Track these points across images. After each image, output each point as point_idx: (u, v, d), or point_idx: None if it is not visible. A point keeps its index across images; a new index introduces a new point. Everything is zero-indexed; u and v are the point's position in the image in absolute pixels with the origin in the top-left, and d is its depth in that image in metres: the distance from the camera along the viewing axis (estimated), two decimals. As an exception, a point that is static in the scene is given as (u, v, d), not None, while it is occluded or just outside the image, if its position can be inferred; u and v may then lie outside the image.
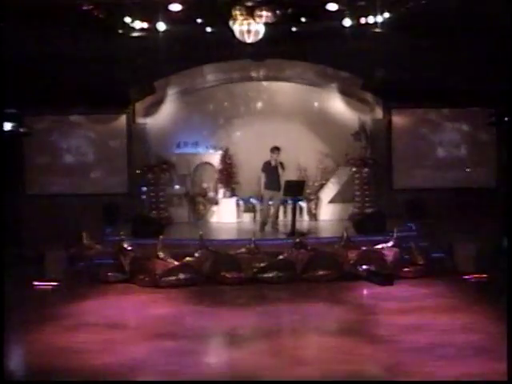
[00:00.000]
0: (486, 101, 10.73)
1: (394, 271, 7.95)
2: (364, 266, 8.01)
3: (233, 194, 11.88)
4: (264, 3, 8.55)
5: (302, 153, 11.85)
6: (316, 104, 12.05)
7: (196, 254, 8.04)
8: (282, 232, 9.76)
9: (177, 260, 8.00)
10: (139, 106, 11.71)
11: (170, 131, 11.92)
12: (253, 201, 11.73)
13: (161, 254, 8.00)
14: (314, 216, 11.78)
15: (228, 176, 11.82)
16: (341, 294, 7.30)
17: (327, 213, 11.80)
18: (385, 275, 7.80)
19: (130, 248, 8.32)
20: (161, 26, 9.66)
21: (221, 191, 11.93)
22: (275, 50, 10.75)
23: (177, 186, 11.86)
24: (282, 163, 10.04)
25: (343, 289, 7.56)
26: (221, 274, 7.96)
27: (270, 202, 10.20)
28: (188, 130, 11.99)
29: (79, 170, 11.44)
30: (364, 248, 8.22)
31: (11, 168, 10.52)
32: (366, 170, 11.30)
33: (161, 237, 8.36)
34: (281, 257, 8.09)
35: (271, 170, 9.98)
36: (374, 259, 8.11)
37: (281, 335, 5.82)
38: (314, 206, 11.77)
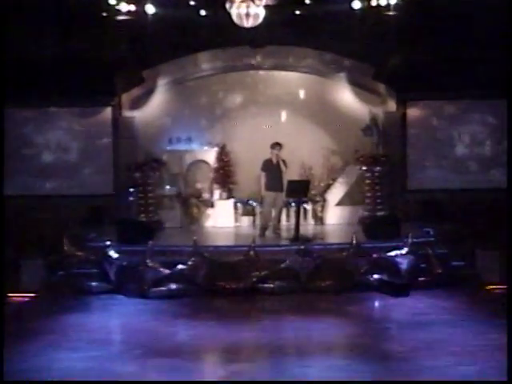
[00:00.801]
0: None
1: (408, 281, 7.93)
2: (375, 276, 7.99)
3: (230, 196, 11.87)
4: (265, -17, 8.54)
5: (307, 150, 11.84)
6: (322, 96, 12.03)
7: (189, 262, 8.03)
8: (285, 237, 9.74)
9: (168, 268, 7.98)
10: (126, 98, 11.70)
11: (161, 126, 11.91)
12: (252, 203, 11.72)
13: (150, 262, 7.99)
14: (319, 219, 11.77)
15: (225, 175, 11.81)
16: (350, 307, 7.27)
17: (334, 216, 11.79)
18: (399, 285, 7.78)
19: (115, 255, 8.29)
20: (150, 9, 9.64)
21: (217, 192, 11.92)
22: (277, 36, 10.73)
23: (168, 187, 11.85)
24: (284, 161, 10.02)
25: (353, 300, 7.54)
26: (217, 284, 7.94)
27: (272, 204, 10.16)
28: (180, 125, 11.98)
29: (59, 169, 11.37)
30: (375, 255, 8.21)
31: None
32: (378, 168, 11.28)
33: (150, 242, 8.34)
34: (283, 265, 8.07)
35: (272, 169, 9.96)
36: (387, 268, 8.09)
37: (283, 352, 5.79)
38: (319, 209, 11.76)
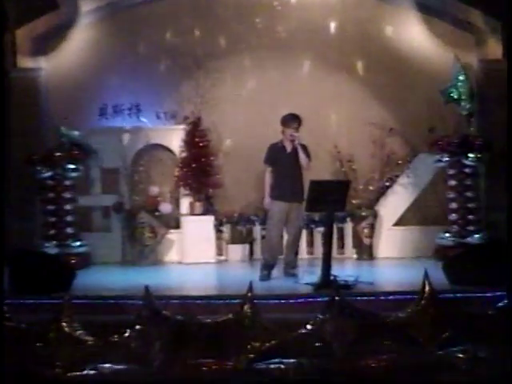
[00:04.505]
0: None
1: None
2: (466, 349, 7.98)
3: (209, 209, 11.90)
4: None
5: (345, 128, 11.99)
6: (371, 32, 12.12)
7: (136, 326, 8.02)
8: (306, 282, 9.73)
9: (99, 337, 7.97)
10: (25, 36, 11.72)
11: (86, 84, 11.96)
12: (249, 220, 11.82)
13: (67, 326, 7.96)
14: (366, 250, 11.79)
15: (200, 172, 11.81)
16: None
17: (392, 244, 11.84)
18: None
19: (6, 314, 8.28)
20: None
21: (185, 202, 11.94)
22: None
23: (99, 192, 11.89)
24: (304, 147, 10.00)
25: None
26: (186, 364, 7.93)
27: (283, 223, 10.16)
28: (122, 83, 12.01)
29: None
30: (464, 312, 8.20)
31: None
32: (471, 159, 11.26)
33: (67, 293, 8.33)
34: (303, 330, 8.05)
35: (285, 162, 9.93)
36: (488, 336, 8.07)
37: None
38: (366, 231, 11.77)
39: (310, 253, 11.66)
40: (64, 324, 7.95)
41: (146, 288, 8.24)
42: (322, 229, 10.98)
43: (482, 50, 11.88)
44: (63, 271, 9.40)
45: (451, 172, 11.44)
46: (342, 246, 11.86)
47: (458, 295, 8.64)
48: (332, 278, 9.29)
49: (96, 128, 11.93)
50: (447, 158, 11.39)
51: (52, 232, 11.30)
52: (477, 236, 11.18)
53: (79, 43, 12.01)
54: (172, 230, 11.93)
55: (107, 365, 7.83)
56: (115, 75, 12.04)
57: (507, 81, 9.54)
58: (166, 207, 11.91)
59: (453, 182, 11.43)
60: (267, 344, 7.93)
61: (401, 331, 8.08)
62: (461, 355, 7.95)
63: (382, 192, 12.01)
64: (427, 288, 8.24)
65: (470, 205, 11.34)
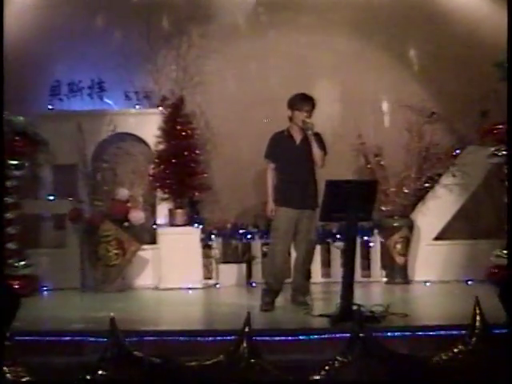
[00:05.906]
0: None
1: None
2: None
3: (194, 218, 11.92)
4: None
5: (371, 111, 12.02)
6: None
7: (100, 371, 7.99)
8: (320, 313, 9.70)
9: (50, 384, 7.94)
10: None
11: (34, 56, 11.99)
12: (246, 233, 11.84)
13: (9, 372, 7.94)
14: (400, 272, 11.81)
15: (182, 170, 11.80)
16: None
17: (432, 263, 11.84)
18: None
19: None
20: None
21: (163, 208, 11.96)
22: None
23: (51, 197, 11.88)
24: (318, 136, 9.96)
25: None
26: (163, 421, 7.90)
27: (290, 237, 10.13)
28: (80, 55, 12.00)
29: None
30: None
31: None
32: (534, 152, 11.30)
33: (9, 328, 8.30)
34: (317, 375, 8.02)
35: (293, 156, 9.89)
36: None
37: None
38: (399, 247, 11.77)
39: (326, 275, 11.65)
40: (5, 369, 7.92)
41: (112, 321, 8.20)
42: (341, 244, 10.93)
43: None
44: (4, 299, 9.39)
45: (507, 170, 11.41)
46: (367, 266, 11.84)
47: (520, 331, 8.59)
48: (355, 307, 9.27)
49: (46, 112, 11.94)
50: (504, 152, 11.36)
51: (-12, 248, 11.29)
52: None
53: (23, 3, 11.99)
54: (146, 246, 11.90)
55: (61, 421, 7.83)
56: (71, 44, 12.00)
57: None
58: (137, 216, 11.88)
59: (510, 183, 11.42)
60: (270, 393, 7.92)
61: (445, 377, 8.05)
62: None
63: (420, 196, 12.01)
64: (479, 321, 8.20)
65: (534, 212, 11.34)
